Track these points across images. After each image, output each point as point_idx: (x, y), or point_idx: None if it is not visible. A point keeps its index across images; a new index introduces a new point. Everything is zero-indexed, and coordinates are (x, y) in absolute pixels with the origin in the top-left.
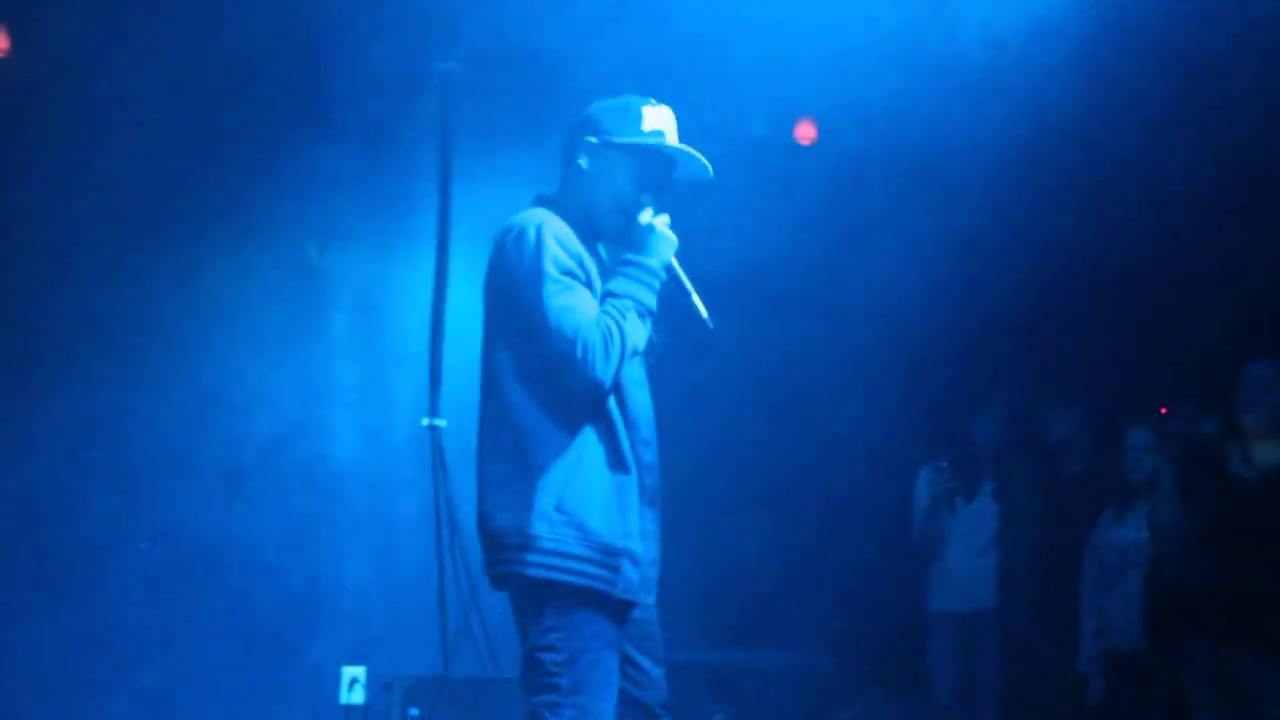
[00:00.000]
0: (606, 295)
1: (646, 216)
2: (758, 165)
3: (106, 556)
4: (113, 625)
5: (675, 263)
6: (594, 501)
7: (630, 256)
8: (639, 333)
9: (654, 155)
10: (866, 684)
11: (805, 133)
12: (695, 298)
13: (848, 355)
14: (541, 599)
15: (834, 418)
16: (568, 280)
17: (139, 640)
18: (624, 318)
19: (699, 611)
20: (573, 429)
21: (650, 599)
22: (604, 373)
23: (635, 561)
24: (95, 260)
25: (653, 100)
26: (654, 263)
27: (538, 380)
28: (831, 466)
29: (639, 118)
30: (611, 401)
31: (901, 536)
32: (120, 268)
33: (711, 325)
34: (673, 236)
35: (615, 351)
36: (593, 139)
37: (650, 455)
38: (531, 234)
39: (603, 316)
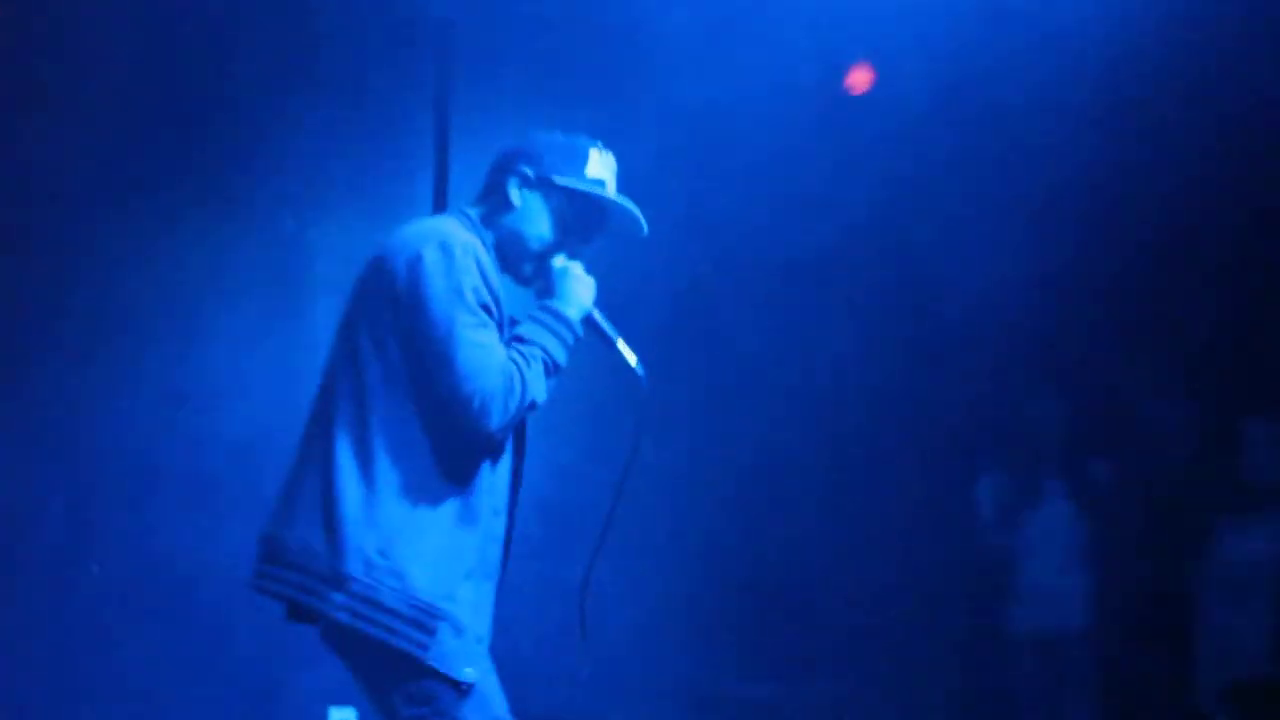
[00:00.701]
0: (514, 340)
1: (560, 261)
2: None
3: (54, 577)
4: (62, 659)
5: (596, 312)
6: (425, 555)
7: (547, 303)
8: (540, 387)
9: (591, 204)
10: None
11: (860, 79)
12: (621, 345)
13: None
14: (347, 646)
15: (906, 417)
16: (483, 316)
17: (90, 677)
18: (529, 368)
19: (746, 637)
20: (430, 471)
21: (468, 677)
22: (497, 425)
23: (457, 630)
24: (53, 241)
25: (600, 144)
26: (571, 313)
27: (413, 409)
28: (886, 471)
29: (584, 161)
30: (469, 449)
31: (971, 550)
32: (80, 249)
33: (642, 374)
34: (590, 281)
35: (514, 404)
36: (529, 171)
37: (499, 528)
38: (458, 253)
39: (508, 364)
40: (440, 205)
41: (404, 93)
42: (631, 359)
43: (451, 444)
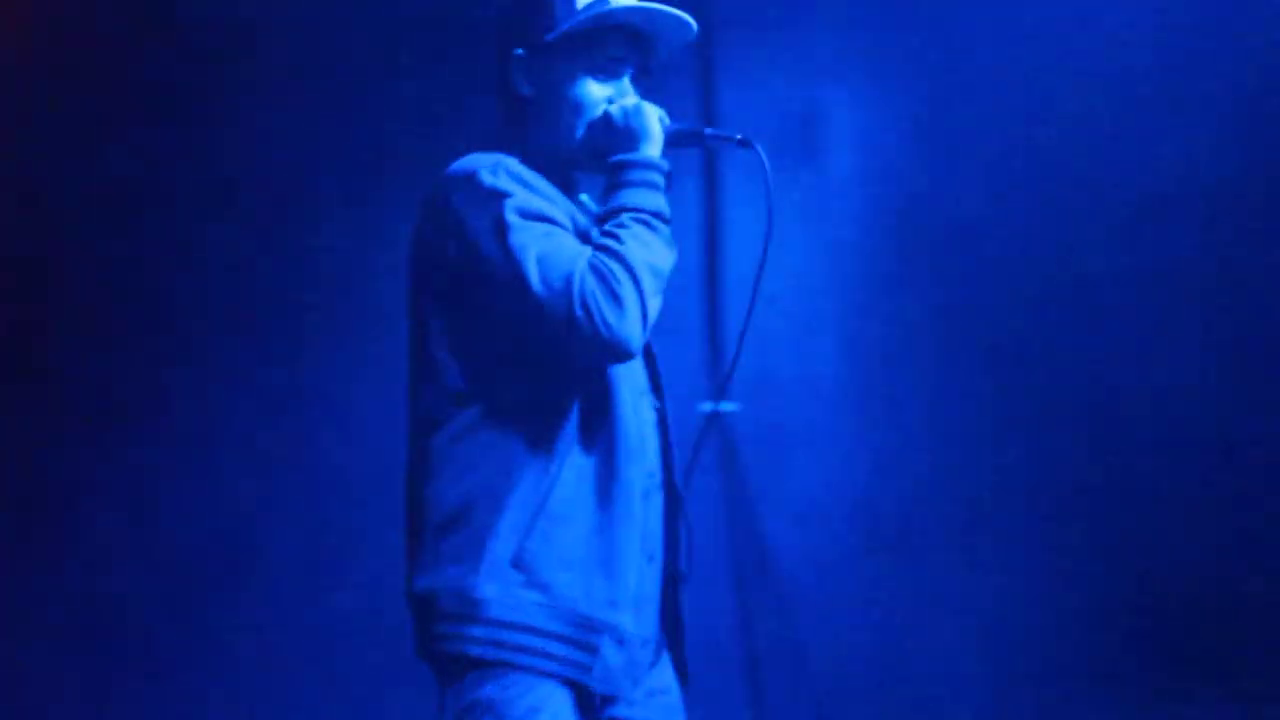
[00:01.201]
0: (599, 224)
1: (603, 109)
2: None
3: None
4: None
5: (664, 131)
6: (567, 553)
7: (617, 158)
8: (658, 249)
9: (603, 34)
10: None
11: None
12: (711, 131)
13: None
14: (483, 683)
15: None
16: (541, 225)
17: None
18: (625, 237)
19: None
20: (541, 445)
21: (638, 693)
22: (620, 324)
23: (621, 640)
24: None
25: None
26: (650, 150)
27: (498, 376)
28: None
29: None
30: (599, 406)
31: None
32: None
33: (751, 143)
34: (652, 107)
35: (629, 290)
36: (521, 51)
37: (653, 485)
38: (484, 178)
39: (596, 254)
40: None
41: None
42: (734, 136)
43: (563, 393)
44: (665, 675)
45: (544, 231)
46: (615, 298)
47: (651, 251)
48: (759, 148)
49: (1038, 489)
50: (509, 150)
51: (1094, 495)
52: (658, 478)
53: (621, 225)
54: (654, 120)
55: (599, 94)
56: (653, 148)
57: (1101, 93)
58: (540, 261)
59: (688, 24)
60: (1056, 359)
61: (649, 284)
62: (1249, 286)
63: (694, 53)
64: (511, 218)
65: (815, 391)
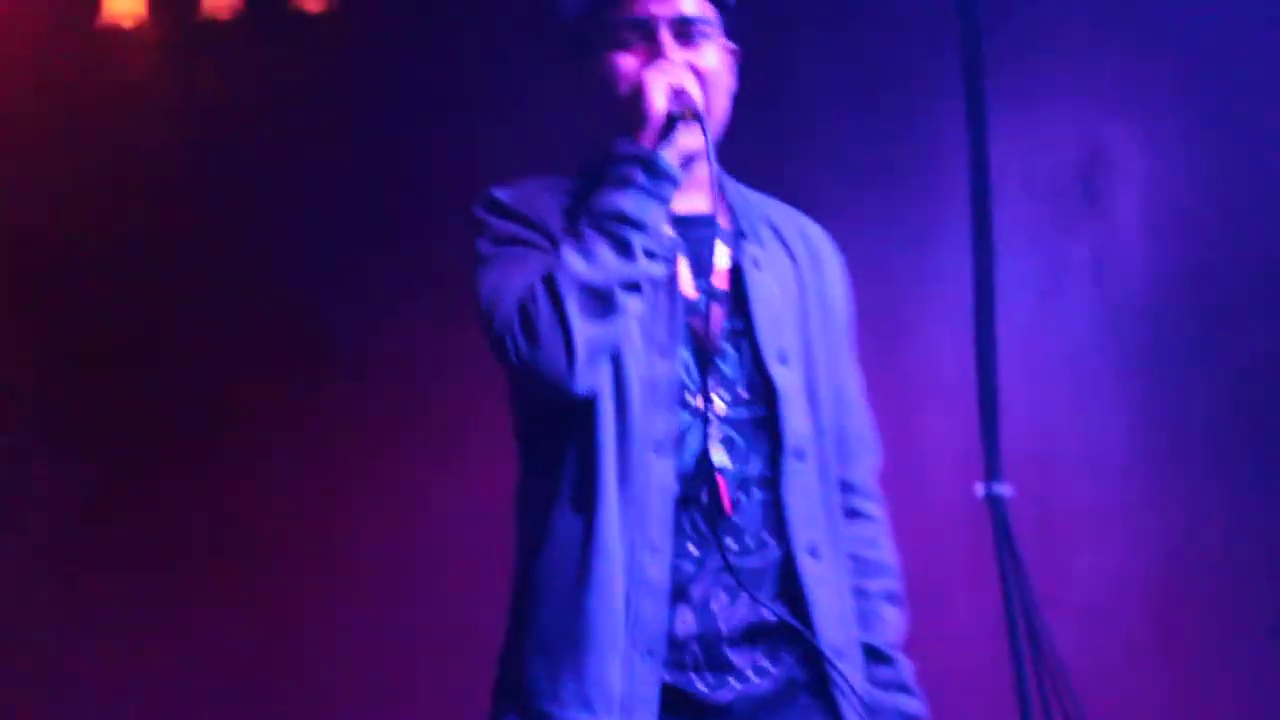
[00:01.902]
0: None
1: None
2: None
3: None
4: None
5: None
6: (539, 637)
7: (612, 150)
8: (606, 262)
9: (597, 3)
10: None
11: None
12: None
13: None
14: None
15: None
16: (511, 250)
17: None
18: (564, 257)
19: None
20: (535, 506)
21: None
22: (534, 354)
23: None
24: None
25: None
26: (638, 140)
27: (517, 428)
28: None
29: None
30: (592, 456)
31: None
32: None
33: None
34: (658, 76)
35: (545, 315)
36: (569, 39)
37: (656, 568)
38: (477, 207)
39: (538, 272)
40: (982, 187)
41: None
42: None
43: (555, 445)
44: None
45: (510, 256)
46: (529, 324)
47: (595, 266)
48: (703, 122)
49: None
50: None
51: None
52: (663, 551)
53: (576, 234)
54: (652, 95)
55: (629, 67)
56: (644, 134)
57: None
58: (493, 289)
59: None
60: None
61: (577, 305)
62: None
63: (962, 86)
64: (482, 247)
65: (1101, 472)
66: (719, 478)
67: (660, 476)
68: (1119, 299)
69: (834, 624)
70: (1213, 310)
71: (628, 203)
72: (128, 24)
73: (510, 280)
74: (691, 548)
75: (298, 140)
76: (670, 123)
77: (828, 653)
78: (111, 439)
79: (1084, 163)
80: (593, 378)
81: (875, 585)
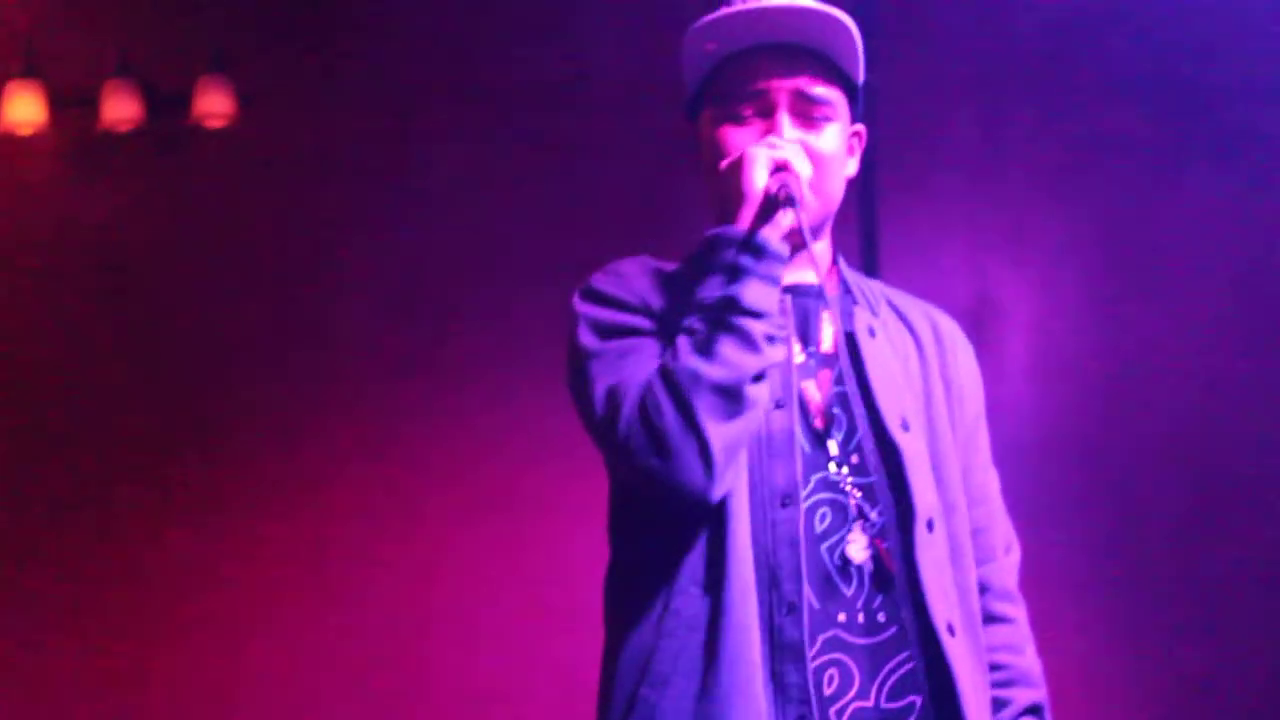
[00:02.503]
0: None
1: (724, 164)
2: None
3: None
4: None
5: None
6: (669, 709)
7: (709, 234)
8: (730, 356)
9: (729, 71)
10: None
11: None
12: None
13: None
14: None
15: None
16: (618, 343)
17: None
18: (681, 356)
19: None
20: (643, 592)
21: None
22: (666, 468)
23: None
24: None
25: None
26: (733, 224)
27: (617, 518)
28: None
29: (702, 32)
30: (722, 527)
31: None
32: None
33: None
34: (761, 153)
35: (673, 424)
36: (690, 119)
37: (794, 629)
38: (576, 300)
39: (651, 379)
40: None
41: None
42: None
43: (661, 528)
44: None
45: (619, 351)
46: (657, 435)
47: (715, 360)
48: (796, 211)
49: None
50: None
51: None
52: (799, 605)
53: (687, 331)
54: (754, 173)
55: (739, 142)
56: (745, 216)
57: None
58: (608, 392)
59: (823, 13)
60: None
61: (705, 406)
62: None
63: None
64: (586, 341)
65: None
66: (880, 543)
67: (790, 530)
68: (1003, 441)
69: (975, 709)
70: (1092, 458)
71: (744, 292)
72: (25, 131)
73: (627, 380)
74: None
75: (189, 250)
76: (770, 202)
77: None
78: None
79: (973, 305)
80: (731, 480)
81: (1021, 695)
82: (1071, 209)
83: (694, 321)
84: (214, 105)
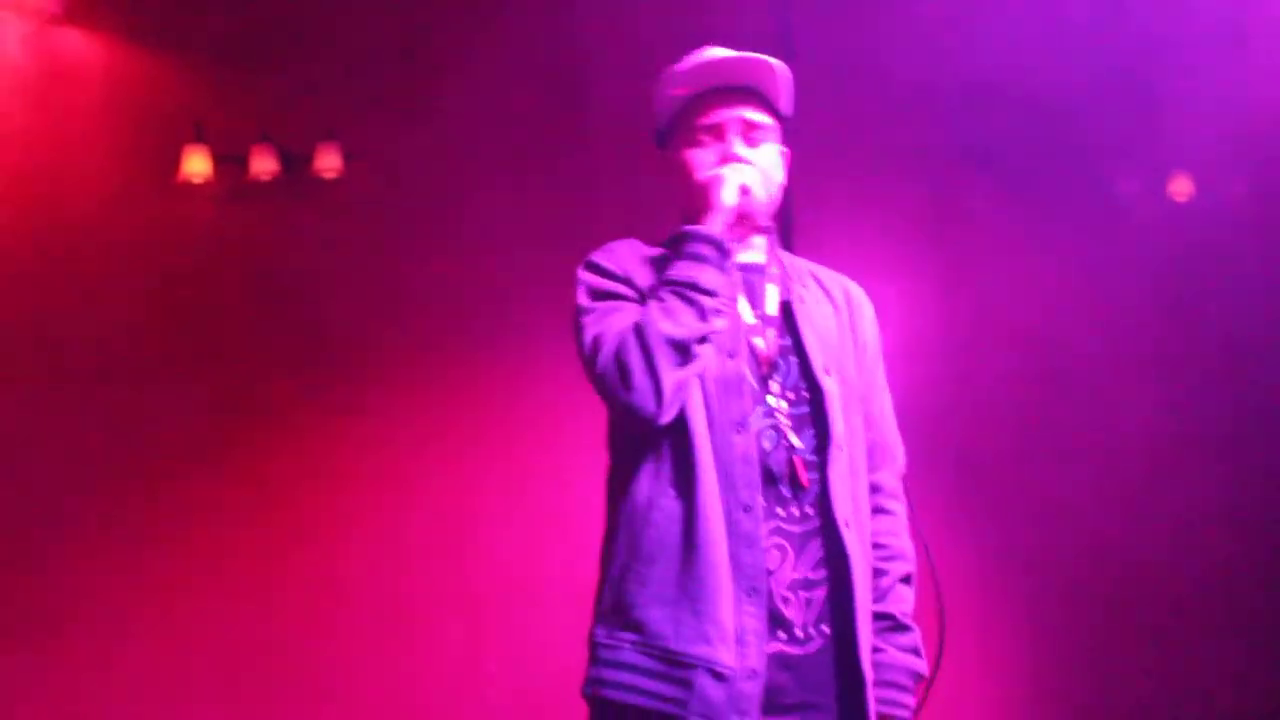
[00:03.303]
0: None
1: (702, 175)
2: None
3: None
4: None
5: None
6: (658, 593)
7: (678, 231)
8: (685, 320)
9: (695, 106)
10: None
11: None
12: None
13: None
14: None
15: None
16: (606, 304)
17: None
18: (651, 314)
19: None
20: (637, 491)
21: None
22: (628, 395)
23: (719, 675)
24: None
25: (693, 55)
26: (707, 222)
27: (612, 436)
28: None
29: (668, 84)
30: (688, 445)
31: None
32: None
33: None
34: (726, 175)
35: (637, 363)
36: (660, 145)
37: (749, 522)
38: (580, 270)
39: (627, 328)
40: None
41: None
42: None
43: (636, 444)
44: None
45: (605, 310)
46: (625, 371)
47: (675, 322)
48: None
49: None
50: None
51: None
52: (755, 508)
53: (658, 298)
54: (723, 191)
55: (703, 159)
56: (713, 220)
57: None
58: (593, 339)
59: (760, 61)
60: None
61: (662, 355)
62: None
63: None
64: (582, 301)
65: None
66: (796, 458)
67: (743, 450)
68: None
69: (865, 586)
70: (934, 415)
71: (702, 275)
72: (197, 180)
73: (607, 330)
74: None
75: (315, 268)
76: (735, 215)
77: (859, 609)
78: None
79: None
80: (675, 411)
81: (896, 567)
82: (934, 236)
83: (664, 292)
84: (328, 163)
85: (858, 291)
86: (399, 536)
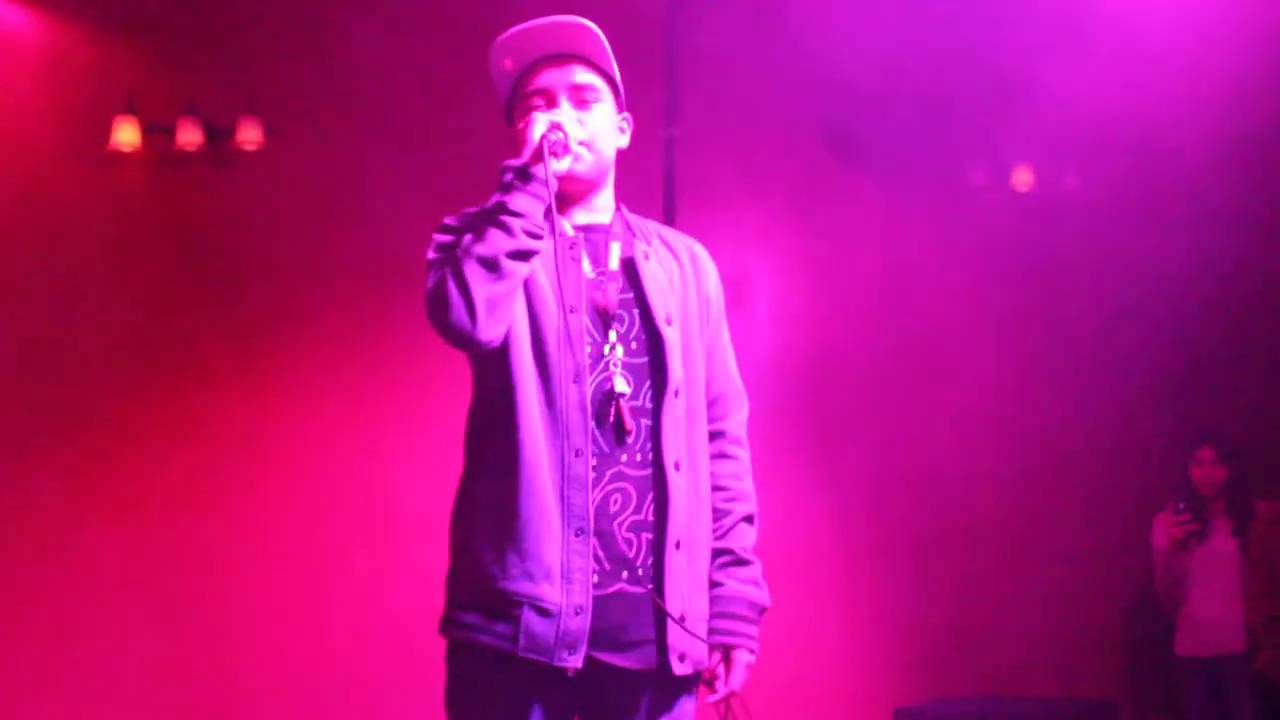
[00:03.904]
0: None
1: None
2: None
3: None
4: None
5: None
6: (491, 535)
7: (501, 166)
8: (494, 239)
9: (524, 77)
10: None
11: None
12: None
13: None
14: (449, 657)
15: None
16: (445, 255)
17: None
18: (464, 240)
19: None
20: (476, 440)
21: (575, 660)
22: (445, 315)
23: (544, 611)
24: None
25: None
26: (515, 159)
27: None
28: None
29: (497, 53)
30: (513, 398)
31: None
32: None
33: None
34: (541, 116)
35: (450, 284)
36: (505, 115)
37: (580, 466)
38: (433, 233)
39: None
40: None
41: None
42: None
43: (484, 390)
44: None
45: (445, 258)
46: (441, 294)
47: (482, 241)
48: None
49: None
50: None
51: None
52: (585, 452)
53: (472, 223)
54: (532, 128)
55: (528, 117)
56: (525, 153)
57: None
58: (430, 281)
59: (572, 24)
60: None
61: (474, 273)
62: None
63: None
64: (430, 255)
65: None
66: (622, 403)
67: (578, 399)
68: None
69: (683, 524)
70: (803, 383)
71: (510, 199)
72: (126, 150)
73: (439, 272)
74: (594, 459)
75: (235, 232)
76: (541, 148)
77: (668, 546)
78: None
79: (736, 278)
80: (495, 329)
81: (738, 508)
82: (805, 215)
83: (477, 219)
84: (249, 135)
85: (702, 251)
86: (316, 480)
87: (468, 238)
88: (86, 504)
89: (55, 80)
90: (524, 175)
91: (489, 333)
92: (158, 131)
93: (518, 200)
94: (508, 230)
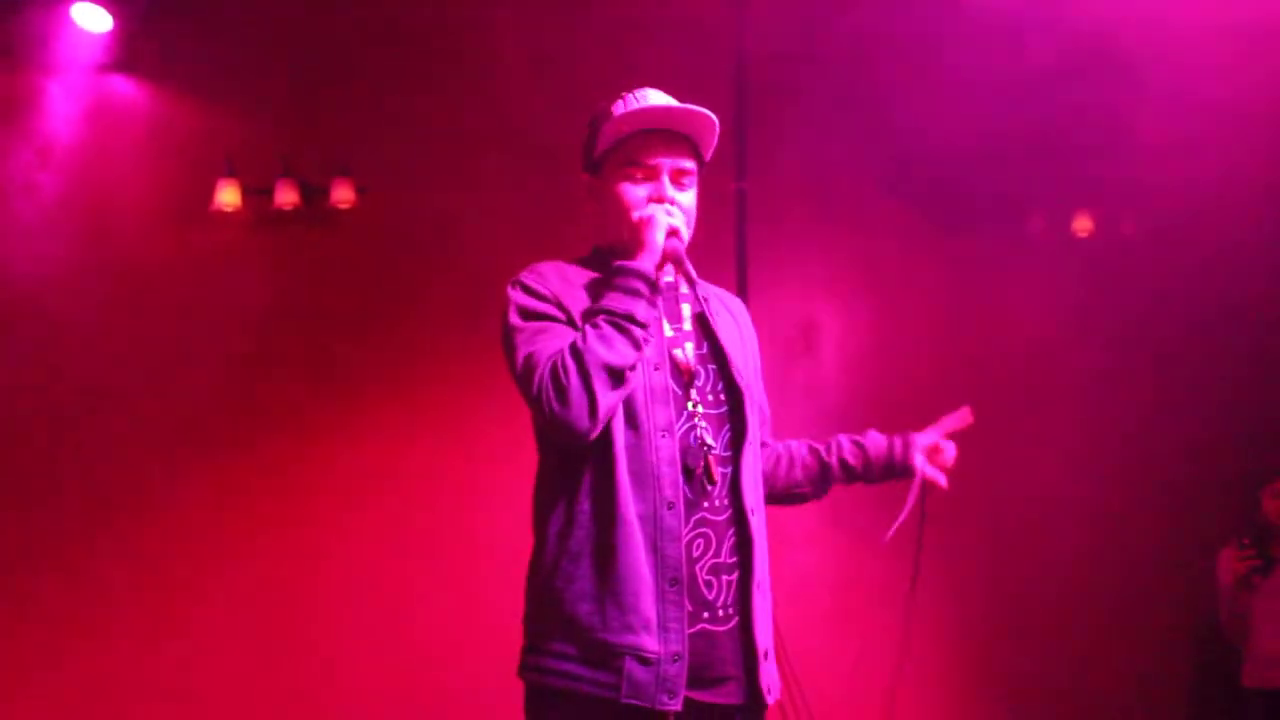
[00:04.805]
0: (586, 319)
1: (634, 216)
2: None
3: None
4: None
5: (680, 252)
6: (586, 587)
7: (614, 265)
8: (620, 347)
9: (634, 142)
10: None
11: None
12: (691, 275)
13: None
14: (536, 706)
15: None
16: (536, 324)
17: None
18: (589, 340)
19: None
20: (564, 493)
21: (675, 704)
22: (564, 412)
23: (645, 660)
24: None
25: (628, 95)
26: (641, 261)
27: (540, 445)
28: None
29: (607, 117)
30: (610, 453)
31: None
32: None
33: (693, 276)
34: (662, 219)
35: (575, 383)
36: (586, 172)
37: (672, 519)
38: (510, 288)
39: (564, 350)
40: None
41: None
42: (692, 275)
43: (569, 455)
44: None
45: (536, 330)
46: (562, 390)
47: (611, 350)
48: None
49: None
50: (590, 253)
51: None
52: (679, 505)
53: (594, 325)
54: (656, 233)
55: (636, 195)
56: (647, 259)
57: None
58: (525, 359)
59: (703, 115)
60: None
61: (599, 379)
62: None
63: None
64: (514, 320)
65: None
66: (711, 456)
67: (668, 453)
68: (822, 412)
69: (762, 566)
70: (859, 408)
71: (638, 309)
72: (228, 209)
73: (540, 350)
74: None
75: (329, 285)
76: (664, 255)
77: (754, 587)
78: None
79: (805, 324)
80: (602, 428)
81: (796, 448)
82: (872, 264)
83: (600, 320)
84: (342, 195)
85: (741, 306)
86: (400, 529)
87: (593, 339)
88: (194, 555)
89: (160, 147)
90: (653, 287)
91: (598, 431)
92: (257, 193)
93: (643, 310)
94: (634, 342)
